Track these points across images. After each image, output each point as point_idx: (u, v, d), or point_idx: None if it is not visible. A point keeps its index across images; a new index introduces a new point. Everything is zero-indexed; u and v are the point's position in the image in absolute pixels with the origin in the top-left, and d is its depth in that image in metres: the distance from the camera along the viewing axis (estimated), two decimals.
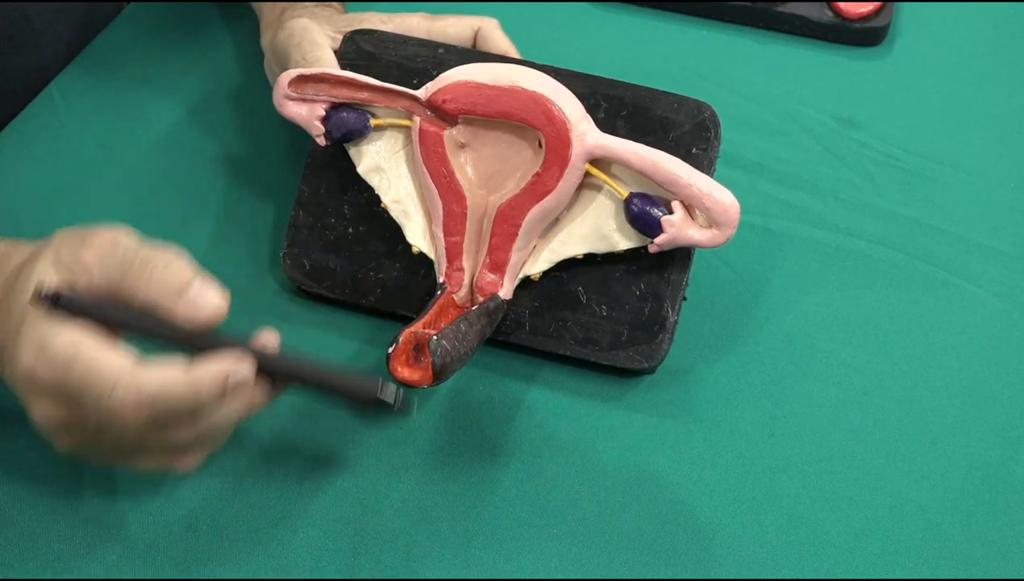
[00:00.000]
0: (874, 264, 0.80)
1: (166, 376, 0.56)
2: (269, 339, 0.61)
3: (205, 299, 0.58)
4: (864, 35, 0.94)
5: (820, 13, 0.94)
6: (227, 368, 0.57)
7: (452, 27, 0.80)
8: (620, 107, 0.74)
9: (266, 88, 0.88)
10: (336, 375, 0.61)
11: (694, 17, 0.97)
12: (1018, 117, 0.90)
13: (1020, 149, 0.88)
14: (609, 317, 0.73)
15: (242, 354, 0.58)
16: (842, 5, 0.94)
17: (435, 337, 0.66)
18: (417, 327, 0.68)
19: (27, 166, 0.86)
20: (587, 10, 0.98)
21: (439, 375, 0.66)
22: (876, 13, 0.94)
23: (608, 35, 0.95)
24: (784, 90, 0.91)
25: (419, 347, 0.67)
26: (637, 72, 0.93)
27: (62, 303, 0.58)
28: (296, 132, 0.79)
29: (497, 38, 0.79)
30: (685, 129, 0.73)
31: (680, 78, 0.92)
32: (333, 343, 0.76)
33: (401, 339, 0.66)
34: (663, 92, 0.75)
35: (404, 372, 0.66)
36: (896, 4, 0.96)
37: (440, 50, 0.77)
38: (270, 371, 0.60)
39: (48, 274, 0.59)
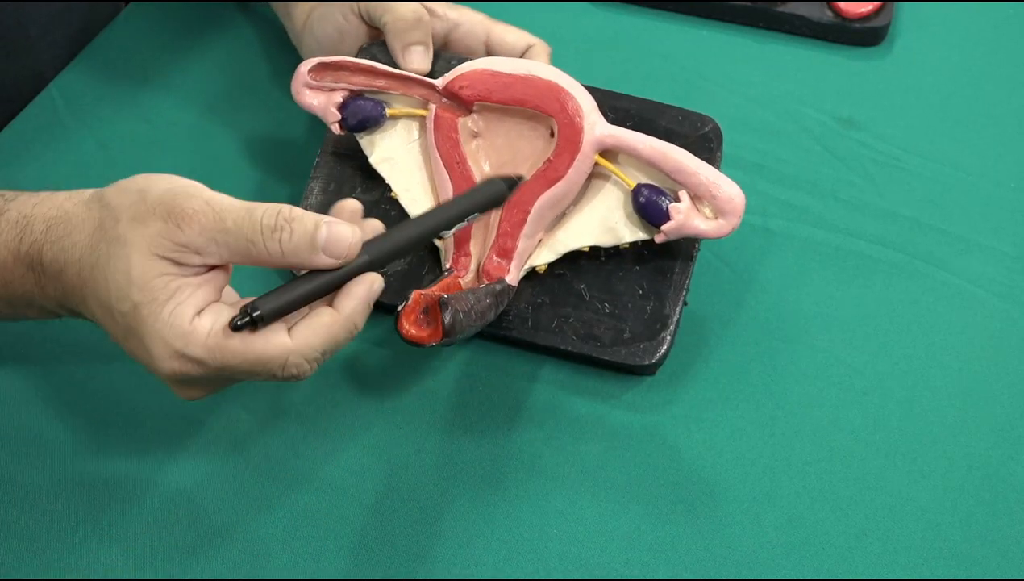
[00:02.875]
0: (874, 264, 0.80)
1: (325, 330, 0.60)
2: (360, 220, 0.62)
3: (339, 243, 0.59)
4: (864, 35, 0.94)
5: (820, 13, 0.94)
6: (369, 293, 0.61)
7: (511, 35, 0.81)
8: (625, 118, 0.75)
9: (266, 88, 0.88)
10: (434, 220, 0.64)
11: (694, 17, 0.97)
12: (1018, 117, 0.90)
13: (1020, 149, 0.88)
14: (611, 314, 0.73)
15: (372, 271, 0.61)
16: (842, 5, 0.94)
17: (445, 296, 0.66)
18: (426, 292, 0.68)
19: (27, 166, 0.86)
20: (587, 10, 0.98)
21: (449, 331, 0.65)
22: (876, 13, 0.94)
23: (608, 35, 0.95)
24: (784, 90, 0.91)
25: (428, 310, 0.67)
26: (637, 72, 0.93)
27: (263, 320, 0.59)
28: (299, 129, 0.79)
29: (543, 61, 0.80)
30: (689, 141, 0.74)
31: (680, 78, 0.92)
32: (326, 363, 0.76)
33: (411, 298, 0.67)
34: (667, 105, 0.76)
35: (412, 330, 0.66)
36: (896, 4, 0.96)
37: (453, 61, 0.77)
38: (382, 264, 0.62)
39: (150, 262, 0.58)
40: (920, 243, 0.81)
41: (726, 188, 0.70)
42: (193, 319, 0.58)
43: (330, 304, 0.61)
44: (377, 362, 0.75)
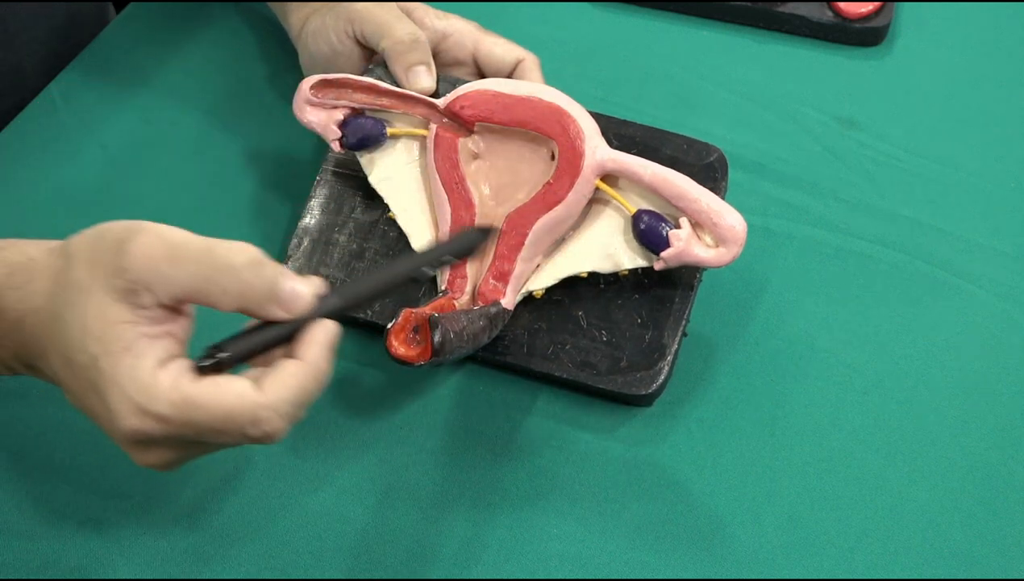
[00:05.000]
0: (874, 264, 0.80)
1: (294, 381, 0.56)
2: (319, 286, 0.60)
3: (296, 298, 0.57)
4: (864, 35, 0.94)
5: (820, 13, 0.94)
6: (330, 342, 0.58)
7: (500, 47, 0.80)
8: (630, 145, 0.75)
9: (267, 88, 0.88)
10: (405, 267, 0.63)
11: (694, 17, 0.97)
12: (1018, 117, 0.90)
13: (1020, 149, 0.88)
14: (609, 342, 0.72)
15: (328, 319, 0.59)
16: (842, 5, 0.94)
17: (436, 315, 0.66)
18: (417, 311, 0.68)
19: (27, 166, 0.86)
20: (587, 10, 0.98)
21: (438, 351, 0.66)
22: (876, 13, 0.94)
23: (608, 35, 0.95)
24: (784, 90, 0.91)
25: (418, 329, 0.67)
26: (637, 72, 0.93)
27: (223, 363, 0.57)
28: (300, 130, 0.79)
29: (534, 77, 0.80)
30: (694, 170, 0.73)
31: (680, 78, 0.92)
32: None
33: (401, 316, 0.67)
34: (673, 133, 0.76)
35: (401, 349, 0.66)
36: (896, 4, 0.96)
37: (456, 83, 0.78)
38: (350, 307, 0.60)
39: (106, 308, 0.55)
40: (920, 243, 0.81)
41: (728, 217, 0.69)
42: (155, 371, 0.54)
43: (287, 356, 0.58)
44: (371, 383, 0.74)
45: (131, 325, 0.55)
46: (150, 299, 0.55)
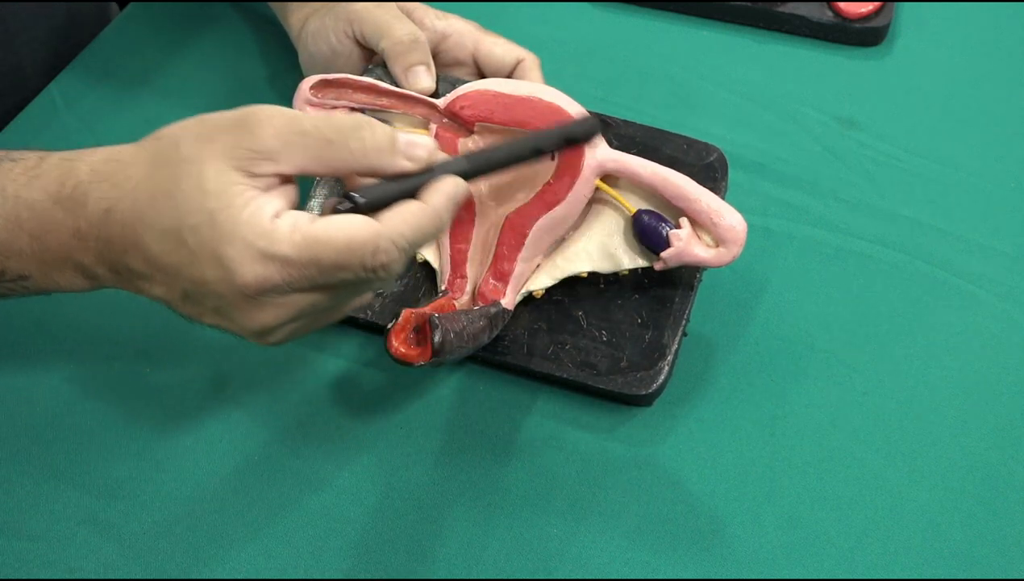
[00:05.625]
0: (874, 264, 0.80)
1: (413, 218, 0.58)
2: (433, 142, 0.62)
3: (417, 146, 0.60)
4: (864, 35, 0.94)
5: (820, 13, 0.94)
6: (454, 193, 0.60)
7: (500, 47, 0.80)
8: (630, 145, 0.75)
9: (267, 88, 0.88)
10: (532, 141, 0.65)
11: (694, 17, 0.97)
12: (1018, 117, 0.90)
13: (1020, 149, 0.88)
14: (609, 342, 0.72)
15: (454, 175, 0.61)
16: (842, 5, 0.94)
17: (436, 315, 0.66)
18: (417, 311, 0.68)
19: None
20: (587, 10, 0.98)
21: (438, 351, 0.66)
22: (876, 13, 0.94)
23: (608, 35, 0.95)
24: (784, 90, 0.91)
25: (418, 329, 0.67)
26: (637, 72, 0.93)
27: (359, 209, 0.58)
28: None
29: (534, 77, 0.80)
30: (694, 170, 0.73)
31: (680, 78, 0.92)
32: (327, 363, 0.76)
33: (401, 317, 0.67)
34: (673, 133, 0.76)
35: (401, 349, 0.66)
36: (896, 4, 0.96)
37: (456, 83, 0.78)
38: (476, 173, 0.63)
39: (224, 173, 0.56)
40: (920, 243, 0.82)
41: (728, 216, 0.69)
42: (274, 219, 0.56)
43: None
44: (371, 383, 0.74)
45: (248, 186, 0.57)
46: (270, 168, 0.57)
